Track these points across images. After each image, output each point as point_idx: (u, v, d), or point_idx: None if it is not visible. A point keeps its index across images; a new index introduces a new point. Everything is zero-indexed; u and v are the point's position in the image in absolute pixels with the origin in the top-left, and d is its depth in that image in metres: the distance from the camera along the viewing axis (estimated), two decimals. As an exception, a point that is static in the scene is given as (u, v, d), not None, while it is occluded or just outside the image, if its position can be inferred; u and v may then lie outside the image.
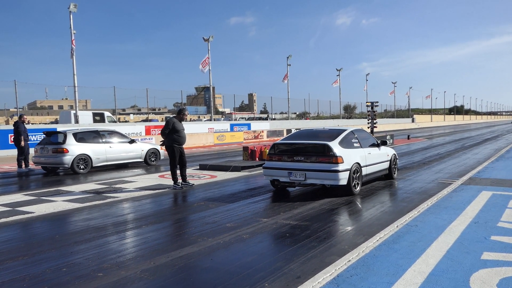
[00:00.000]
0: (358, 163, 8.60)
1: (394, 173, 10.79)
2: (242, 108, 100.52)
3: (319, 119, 56.34)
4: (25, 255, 5.00)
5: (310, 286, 3.84)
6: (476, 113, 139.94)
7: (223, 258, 4.80)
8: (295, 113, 65.84)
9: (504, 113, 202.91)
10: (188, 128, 27.68)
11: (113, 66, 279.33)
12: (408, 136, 31.71)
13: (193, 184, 9.97)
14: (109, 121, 28.43)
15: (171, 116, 10.32)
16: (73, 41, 24.39)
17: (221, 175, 11.55)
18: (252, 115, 67.84)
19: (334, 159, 8.04)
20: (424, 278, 3.98)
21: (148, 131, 26.85)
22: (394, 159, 10.77)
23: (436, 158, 16.09)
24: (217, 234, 5.72)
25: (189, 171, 12.89)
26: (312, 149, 8.39)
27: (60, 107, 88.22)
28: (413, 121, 74.26)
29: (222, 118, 58.49)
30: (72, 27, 24.29)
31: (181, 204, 8.30)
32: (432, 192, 8.59)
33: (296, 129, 27.57)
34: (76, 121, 25.05)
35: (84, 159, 12.93)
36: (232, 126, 34.63)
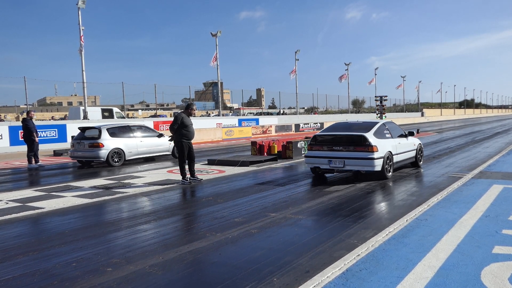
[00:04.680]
0: (390, 152, 9.63)
1: (420, 161, 11.66)
2: (250, 104, 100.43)
3: (328, 114, 56.10)
4: (35, 250, 5.05)
5: (319, 281, 3.81)
6: (487, 106, 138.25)
7: (231, 253, 4.80)
8: (304, 108, 65.71)
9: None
10: (197, 123, 27.72)
11: (122, 62, 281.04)
12: (418, 130, 31.38)
13: (202, 179, 9.98)
14: (117, 117, 28.54)
15: (180, 111, 10.31)
16: (82, 38, 24.49)
17: (230, 170, 11.55)
18: (260, 110, 67.77)
19: (370, 148, 9.04)
20: (435, 272, 3.94)
21: (156, 127, 26.93)
22: (419, 148, 11.68)
23: (446, 152, 15.94)
24: (225, 229, 5.72)
25: (197, 166, 12.90)
26: (350, 139, 9.39)
27: (70, 103, 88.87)
28: (422, 115, 73.66)
29: (230, 114, 58.49)
30: (80, 23, 24.37)
31: (190, 199, 8.32)
32: (442, 186, 8.51)
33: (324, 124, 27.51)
34: (85, 117, 25.19)
35: (118, 153, 13.64)
36: (240, 121, 34.64)
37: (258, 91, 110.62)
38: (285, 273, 4.10)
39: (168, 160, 15.09)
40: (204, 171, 11.50)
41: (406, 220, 5.81)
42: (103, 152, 13.23)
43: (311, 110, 62.37)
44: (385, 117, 25.29)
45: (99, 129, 13.67)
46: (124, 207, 7.38)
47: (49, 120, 38.25)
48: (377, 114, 25.15)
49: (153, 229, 5.87)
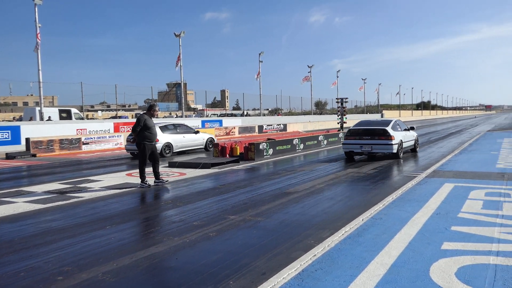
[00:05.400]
0: (401, 140, 13.83)
1: (417, 149, 16.08)
2: (214, 105, 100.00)
3: (291, 115, 56.67)
4: (-19, 259, 4.79)
5: (275, 282, 3.83)
6: (442, 108, 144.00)
7: (188, 257, 4.75)
8: (268, 109, 66.10)
9: (468, 108, 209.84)
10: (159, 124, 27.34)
11: (82, 62, 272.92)
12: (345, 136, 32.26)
13: (167, 180, 9.85)
14: (76, 118, 27.67)
15: (142, 112, 10.15)
16: (38, 35, 23.54)
17: (191, 173, 11.44)
18: (224, 112, 67.62)
19: (390, 137, 13.21)
20: (387, 269, 4.05)
21: (117, 128, 26.30)
22: (416, 139, 16.17)
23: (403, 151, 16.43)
24: (183, 233, 5.65)
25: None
26: (375, 131, 13.54)
27: (25, 103, 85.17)
28: (382, 116, 75.63)
29: (194, 115, 58.00)
30: (37, 20, 23.43)
31: (148, 203, 8.17)
32: (398, 185, 8.78)
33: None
34: (41, 118, 24.27)
35: (169, 146, 16.50)
36: (203, 122, 34.38)
37: (223, 92, 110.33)
38: (241, 276, 4.10)
39: (127, 164, 14.78)
40: (165, 174, 11.31)
41: (362, 220, 5.95)
42: (158, 146, 14.75)
43: (275, 112, 62.84)
44: (346, 118, 25.81)
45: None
46: (79, 213, 7.14)
47: (11, 120, 36.52)
48: (338, 116, 25.62)
49: (108, 235, 5.71)
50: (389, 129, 13.45)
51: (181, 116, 37.49)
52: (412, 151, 15.69)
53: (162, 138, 16.07)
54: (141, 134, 9.39)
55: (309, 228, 5.73)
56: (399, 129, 14.22)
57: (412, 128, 15.51)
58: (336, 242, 4.96)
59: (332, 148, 19.53)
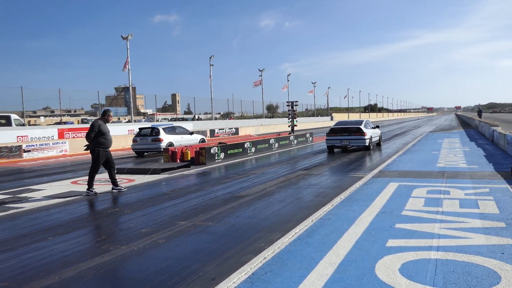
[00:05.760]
0: (371, 136, 17.57)
1: (381, 143, 20.14)
2: (165, 109, 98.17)
3: (243, 119, 56.84)
4: None
5: (224, 287, 3.80)
6: (388, 110, 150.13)
7: (136, 266, 4.61)
8: (219, 113, 65.86)
9: (412, 110, 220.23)
10: (106, 131, 26.47)
11: (22, 65, 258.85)
12: (327, 133, 33.07)
13: (126, 188, 9.59)
14: (16, 125, 26.19)
15: (96, 118, 9.84)
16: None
17: (140, 179, 11.15)
18: (175, 116, 66.64)
19: (364, 133, 16.92)
20: (334, 268, 4.13)
21: (61, 135, 25.18)
22: (381, 135, 20.31)
23: (351, 153, 16.94)
24: (131, 241, 5.48)
25: (106, 175, 12.30)
26: (351, 129, 17.20)
27: (-40, 111, 79.63)
28: (332, 119, 77.67)
29: (144, 120, 56.70)
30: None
31: (94, 211, 7.86)
32: (345, 185, 9.01)
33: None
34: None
35: (171, 145, 17.78)
36: (153, 127, 33.66)
37: (173, 96, 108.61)
38: (191, 282, 4.02)
39: (73, 171, 14.18)
40: (113, 181, 10.95)
41: (312, 221, 6.04)
42: (162, 144, 17.93)
43: (226, 115, 62.70)
44: (297, 121, 26.25)
45: (157, 129, 18.83)
46: (18, 224, 6.74)
47: None
48: (289, 119, 26.00)
49: (50, 246, 5.43)
50: (362, 127, 17.22)
51: (130, 121, 36.53)
52: (378, 145, 19.44)
53: (166, 138, 18.51)
54: (96, 140, 9.11)
55: (259, 231, 5.74)
56: (369, 127, 18.06)
57: (377, 127, 19.50)
58: (286, 244, 5.00)
59: (283, 151, 19.77)
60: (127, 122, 42.19)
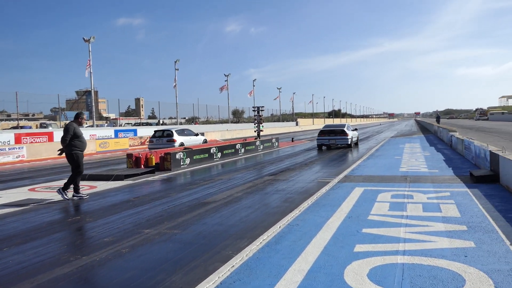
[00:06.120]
0: (352, 136, 21.68)
1: (358, 143, 24.62)
2: (128, 113, 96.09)
3: (209, 124, 56.48)
4: None
5: (192, 298, 3.68)
6: (351, 116, 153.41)
7: (98, 277, 4.41)
8: (185, 118, 65.16)
9: (374, 116, 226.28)
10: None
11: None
12: (292, 138, 33.40)
13: (87, 195, 9.33)
14: (-31, 130, 24.87)
15: (69, 121, 9.58)
16: None
17: (102, 185, 10.78)
18: (139, 121, 65.39)
19: (346, 134, 20.96)
20: (304, 275, 4.10)
21: (18, 140, 24.07)
22: (358, 136, 24.90)
23: (317, 158, 17.14)
24: (93, 251, 5.25)
25: (64, 182, 11.85)
26: (336, 131, 21.37)
27: None
28: (297, 124, 78.52)
29: (106, 124, 55.27)
30: None
31: (54, 220, 7.49)
32: (312, 191, 9.05)
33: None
34: None
35: (183, 144, 20.69)
36: (116, 132, 32.86)
37: (137, 100, 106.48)
38: (156, 293, 3.88)
39: (31, 178, 13.57)
40: (73, 188, 10.53)
41: (280, 227, 6.01)
42: (176, 144, 20.68)
43: (192, 120, 62.11)
44: (263, 126, 26.32)
45: (171, 131, 21.89)
46: (-30, 235, 6.33)
47: None
48: (255, 124, 26.03)
49: (5, 258, 5.10)
50: (345, 129, 21.59)
51: (92, 126, 35.49)
52: (356, 144, 23.61)
53: (178, 139, 21.34)
54: (71, 143, 8.97)
55: (227, 239, 5.64)
56: (350, 129, 22.34)
57: (356, 129, 24.17)
58: (254, 251, 4.93)
59: (249, 156, 19.74)
60: (89, 126, 41.00)
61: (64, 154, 9.19)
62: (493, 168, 9.69)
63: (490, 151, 10.20)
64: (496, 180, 9.17)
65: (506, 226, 5.67)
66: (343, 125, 22.53)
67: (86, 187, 10.54)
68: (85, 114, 10.08)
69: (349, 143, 21.44)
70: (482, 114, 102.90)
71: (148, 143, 22.84)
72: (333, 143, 21.44)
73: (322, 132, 21.94)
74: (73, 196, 9.03)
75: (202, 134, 25.03)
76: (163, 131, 22.42)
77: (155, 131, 22.90)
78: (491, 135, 28.26)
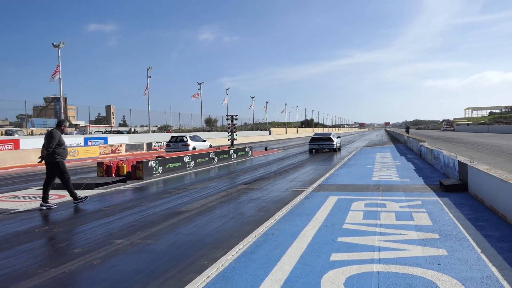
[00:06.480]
0: (336, 142, 26.92)
1: (341, 148, 28.99)
2: (98, 121, 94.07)
3: (181, 132, 55.98)
4: None
5: (166, 310, 3.58)
6: (324, 125, 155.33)
7: (67, 290, 4.23)
8: (157, 126, 64.35)
9: (345, 126, 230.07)
10: (34, 142, 24.80)
11: None
12: (266, 147, 33.48)
13: (56, 205, 9.05)
14: None
15: (52, 128, 9.36)
16: None
17: (71, 194, 10.43)
18: (109, 128, 64.17)
19: (332, 141, 26.23)
20: (280, 285, 4.06)
21: (-19, 148, 23.14)
22: (341, 142, 30.59)
23: (290, 167, 17.20)
24: (62, 263, 5.05)
25: (32, 191, 11.47)
26: (324, 138, 26.70)
27: None
28: (270, 133, 78.84)
29: (75, 132, 53.91)
30: None
31: (19, 230, 7.17)
32: (287, 200, 9.05)
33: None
34: None
35: (195, 148, 25.19)
36: (86, 140, 32.07)
37: (108, 108, 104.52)
38: (129, 306, 3.75)
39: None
40: (40, 197, 10.17)
41: (255, 236, 5.96)
42: (190, 148, 24.85)
43: (164, 128, 61.41)
44: (236, 135, 26.29)
45: (186, 137, 26.32)
46: None
47: None
48: (228, 133, 25.95)
49: (-34, 272, 4.85)
50: (331, 136, 26.88)
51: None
52: (339, 149, 28.20)
53: (191, 144, 25.84)
54: (54, 151, 8.91)
55: (202, 248, 5.55)
56: (335, 137, 27.30)
57: (339, 137, 30.15)
58: (230, 261, 4.86)
59: (223, 164, 19.63)
60: (57, 134, 39.88)
61: (43, 162, 9.08)
62: (462, 177, 9.96)
63: (459, 161, 10.49)
64: (464, 189, 9.42)
65: (476, 234, 5.81)
66: (330, 133, 28.03)
67: (55, 197, 10.20)
68: (67, 122, 9.93)
69: (334, 147, 26.40)
70: (449, 125, 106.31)
71: (165, 147, 27.23)
72: (321, 148, 26.26)
73: (313, 139, 26.76)
74: (41, 205, 8.73)
75: (204, 140, 28.47)
76: (178, 137, 26.94)
77: (171, 137, 27.38)
78: (458, 146, 29.18)
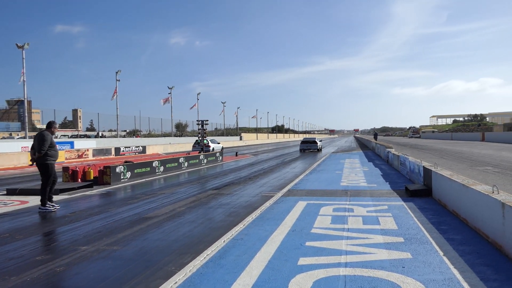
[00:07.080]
0: (319, 145, 38.28)
1: (321, 149, 38.84)
2: (65, 125, 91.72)
3: (151, 137, 55.24)
4: None
5: (132, 317, 3.51)
6: (294, 132, 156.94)
7: (28, 299, 4.08)
8: (126, 130, 63.27)
9: (316, 132, 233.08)
10: (-5, 147, 23.84)
11: None
12: (236, 153, 33.46)
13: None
14: None
15: (43, 130, 9.07)
16: None
17: (35, 200, 10.10)
18: (76, 133, 62.61)
19: (317, 144, 37.07)
20: (248, 291, 4.05)
21: None
22: (322, 145, 43.15)
23: (261, 173, 17.25)
24: (23, 271, 4.87)
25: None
26: (310, 141, 38.01)
27: None
28: (241, 139, 78.90)
29: (40, 136, 52.27)
30: None
31: (-22, 237, 6.90)
32: (257, 205, 9.07)
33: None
34: None
35: (214, 149, 31.94)
36: (52, 144, 31.16)
37: (75, 111, 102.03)
38: (93, 314, 3.65)
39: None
40: (1, 203, 9.81)
41: (224, 241, 5.94)
42: (210, 148, 31.48)
43: (133, 133, 60.49)
44: (206, 140, 26.17)
45: (207, 140, 31.65)
46: None
47: None
48: (198, 138, 25.79)
49: None
50: (316, 140, 37.32)
51: (24, 137, 33.43)
52: (320, 150, 36.98)
53: (211, 145, 32.78)
54: (46, 153, 8.81)
55: (169, 254, 5.48)
56: (318, 141, 37.61)
57: (321, 140, 40.45)
58: (198, 266, 4.83)
59: (193, 170, 19.48)
60: (20, 138, 38.59)
61: (34, 164, 8.97)
62: (426, 182, 10.26)
63: (423, 166, 10.81)
64: (429, 194, 9.71)
65: (439, 237, 5.99)
66: (314, 138, 39.25)
67: (17, 202, 9.85)
68: (57, 123, 9.68)
69: (318, 148, 36.42)
70: (415, 132, 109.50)
71: (192, 147, 33.94)
72: (309, 148, 36.04)
73: (303, 142, 37.19)
74: (39, 208, 8.82)
75: (218, 143, 36.09)
76: (199, 140, 30.31)
77: (196, 141, 32.75)
78: (424, 152, 30.06)
